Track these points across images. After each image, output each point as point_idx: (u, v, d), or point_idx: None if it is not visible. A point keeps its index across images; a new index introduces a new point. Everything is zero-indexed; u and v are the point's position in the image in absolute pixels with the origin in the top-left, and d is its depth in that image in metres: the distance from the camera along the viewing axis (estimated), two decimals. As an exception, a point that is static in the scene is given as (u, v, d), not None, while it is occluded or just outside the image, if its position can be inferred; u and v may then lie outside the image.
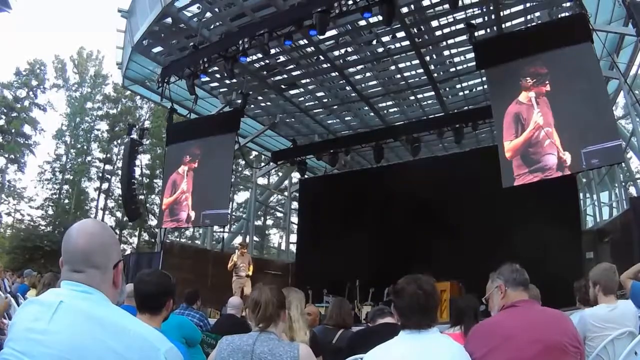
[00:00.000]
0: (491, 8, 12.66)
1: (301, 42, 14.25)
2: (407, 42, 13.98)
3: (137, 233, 39.64)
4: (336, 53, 15.05)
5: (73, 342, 1.51)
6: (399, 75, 16.05)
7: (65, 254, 1.71)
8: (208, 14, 13.68)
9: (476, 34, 12.05)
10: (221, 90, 17.01)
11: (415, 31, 13.71)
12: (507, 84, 10.24)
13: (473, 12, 13.05)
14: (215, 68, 14.37)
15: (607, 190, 17.10)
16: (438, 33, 13.92)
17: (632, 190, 17.67)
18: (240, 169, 33.94)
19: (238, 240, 23.37)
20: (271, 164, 21.32)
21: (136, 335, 1.59)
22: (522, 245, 10.92)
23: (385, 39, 14.23)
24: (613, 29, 11.99)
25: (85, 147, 40.09)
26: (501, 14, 12.79)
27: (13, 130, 36.33)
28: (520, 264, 3.08)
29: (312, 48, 14.57)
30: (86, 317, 1.56)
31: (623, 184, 16.36)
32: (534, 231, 12.58)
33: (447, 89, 16.90)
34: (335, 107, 18.34)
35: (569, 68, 9.50)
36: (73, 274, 1.67)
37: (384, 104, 18.24)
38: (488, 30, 13.53)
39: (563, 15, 12.32)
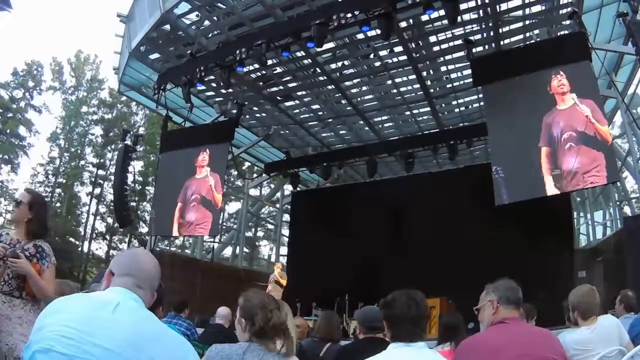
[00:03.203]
0: (490, 25, 12.71)
1: (298, 54, 14.28)
2: (405, 57, 13.97)
3: (127, 239, 39.39)
4: (333, 66, 15.05)
5: (140, 330, 1.81)
6: (395, 90, 16.05)
7: (132, 270, 2.05)
8: (207, 22, 13.66)
9: (474, 50, 12.07)
10: (217, 99, 16.95)
11: (413, 46, 13.73)
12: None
13: (472, 28, 13.10)
14: (212, 77, 14.31)
15: (601, 209, 17.12)
16: (436, 48, 13.97)
17: (627, 210, 17.67)
18: (232, 179, 33.85)
19: (228, 250, 23.37)
20: (264, 175, 21.34)
21: (178, 338, 2.00)
22: (515, 263, 10.91)
23: (382, 53, 14.26)
24: (612, 47, 12.01)
25: (79, 151, 39.80)
26: (500, 30, 12.83)
27: (8, 131, 36.07)
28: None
29: (309, 60, 14.58)
30: (144, 316, 1.91)
31: (618, 203, 16.38)
32: (527, 249, 12.61)
33: (443, 105, 16.91)
34: (330, 120, 18.33)
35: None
36: (136, 288, 2.00)
37: (379, 119, 18.24)
38: (486, 46, 13.56)
39: (562, 33, 12.37)
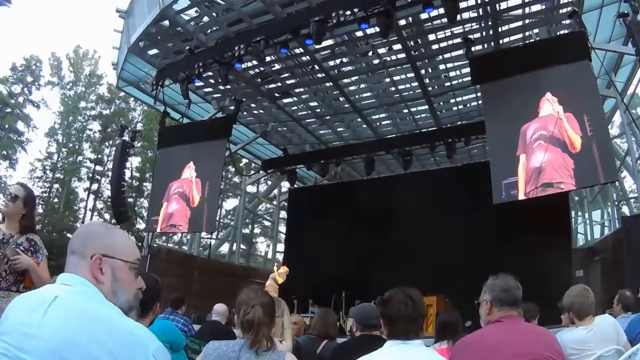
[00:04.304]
0: (489, 23, 12.70)
1: (297, 51, 14.25)
2: (403, 55, 13.97)
3: (124, 236, 39.30)
4: (331, 63, 15.03)
5: (66, 335, 1.54)
6: (393, 88, 16.04)
7: (73, 240, 1.81)
8: (205, 18, 13.63)
9: (473, 49, 12.06)
10: (214, 95, 16.95)
11: (412, 44, 13.73)
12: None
13: (471, 26, 13.07)
14: (210, 73, 14.34)
15: (599, 208, 17.13)
16: (435, 47, 13.95)
17: (625, 209, 17.67)
18: (230, 175, 33.79)
19: (225, 247, 23.36)
20: (261, 172, 21.35)
21: (127, 332, 1.62)
22: (512, 261, 10.88)
23: (381, 50, 14.24)
24: (612, 47, 11.99)
25: (76, 147, 39.68)
26: (499, 29, 12.82)
27: (6, 126, 35.96)
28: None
29: (308, 57, 14.54)
30: (80, 312, 1.59)
31: (616, 202, 16.37)
32: (524, 248, 12.57)
33: (441, 103, 16.90)
34: (328, 117, 18.32)
35: (565, 86, 9.47)
36: (78, 260, 1.73)
37: (377, 116, 18.22)
38: (485, 45, 13.56)
39: (562, 32, 12.35)
